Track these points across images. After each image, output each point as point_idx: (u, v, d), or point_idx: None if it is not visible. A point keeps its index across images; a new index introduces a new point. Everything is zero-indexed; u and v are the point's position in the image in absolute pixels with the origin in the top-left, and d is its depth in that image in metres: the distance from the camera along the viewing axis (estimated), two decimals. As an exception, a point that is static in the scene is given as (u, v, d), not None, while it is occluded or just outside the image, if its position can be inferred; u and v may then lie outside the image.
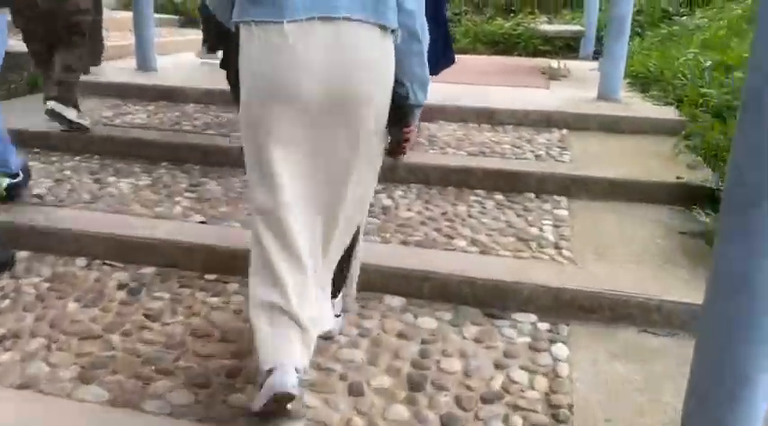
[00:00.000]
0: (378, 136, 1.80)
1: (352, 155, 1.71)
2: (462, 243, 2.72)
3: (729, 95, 3.95)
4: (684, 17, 7.55)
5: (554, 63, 6.43)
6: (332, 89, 1.62)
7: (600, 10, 7.64)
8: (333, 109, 1.64)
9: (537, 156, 3.64)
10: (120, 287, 2.47)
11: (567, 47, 7.84)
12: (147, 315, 2.27)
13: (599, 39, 7.90)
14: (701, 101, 4.18)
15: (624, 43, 4.71)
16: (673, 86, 4.70)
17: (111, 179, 3.39)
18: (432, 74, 1.90)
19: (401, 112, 1.84)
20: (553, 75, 5.94)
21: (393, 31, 1.68)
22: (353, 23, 1.60)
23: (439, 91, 4.71)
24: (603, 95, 4.74)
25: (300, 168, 1.71)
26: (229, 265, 2.55)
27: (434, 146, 3.80)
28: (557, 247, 2.70)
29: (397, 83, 1.75)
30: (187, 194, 3.20)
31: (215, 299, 2.39)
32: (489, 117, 4.28)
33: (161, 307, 2.32)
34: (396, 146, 1.94)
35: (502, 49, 8.28)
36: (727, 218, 1.46)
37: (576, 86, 5.44)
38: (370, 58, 1.63)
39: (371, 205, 2.48)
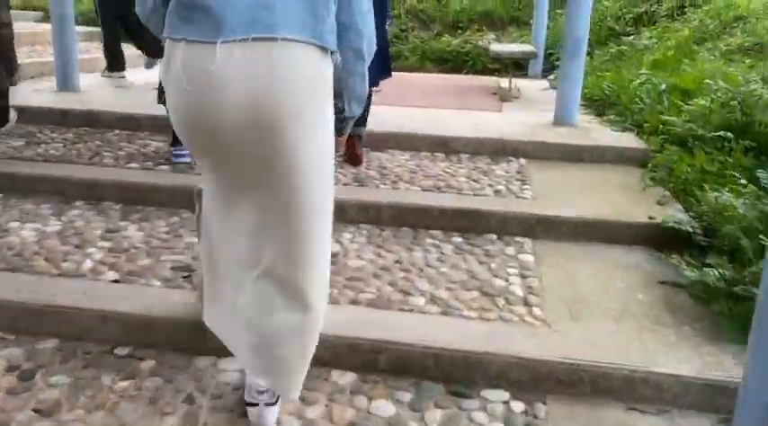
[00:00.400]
0: (321, 155, 1.63)
1: (290, 177, 1.57)
2: (421, 300, 2.37)
3: (692, 123, 3.74)
4: (631, 36, 7.45)
5: (504, 82, 6.20)
6: (261, 112, 1.48)
7: (546, 27, 7.51)
8: (264, 134, 1.51)
9: (496, 191, 3.32)
10: (10, 369, 2.02)
11: (516, 65, 7.62)
12: (37, 410, 1.83)
13: (547, 58, 7.78)
14: (661, 127, 3.97)
15: (581, 66, 4.48)
16: (630, 111, 4.49)
17: (14, 224, 2.90)
18: (370, 86, 1.83)
19: (334, 122, 1.73)
20: (505, 97, 5.69)
21: (333, 52, 1.60)
22: (292, 44, 1.48)
23: (390, 116, 4.42)
24: (560, 120, 4.49)
25: (233, 195, 1.66)
26: (145, 337, 2.13)
27: (386, 179, 3.45)
28: (526, 303, 2.38)
29: (336, 97, 1.68)
30: (102, 243, 2.74)
31: (125, 384, 1.96)
32: (443, 145, 3.96)
33: (57, 398, 1.88)
34: None
35: (450, 67, 8.04)
36: None
37: (530, 109, 5.20)
38: (306, 80, 1.52)
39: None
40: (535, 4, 7.57)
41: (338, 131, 1.78)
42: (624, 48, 6.87)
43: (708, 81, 4.10)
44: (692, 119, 3.80)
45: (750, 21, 6.03)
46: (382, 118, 4.24)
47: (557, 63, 7.82)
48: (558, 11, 8.56)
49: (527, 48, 5.87)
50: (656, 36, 7.09)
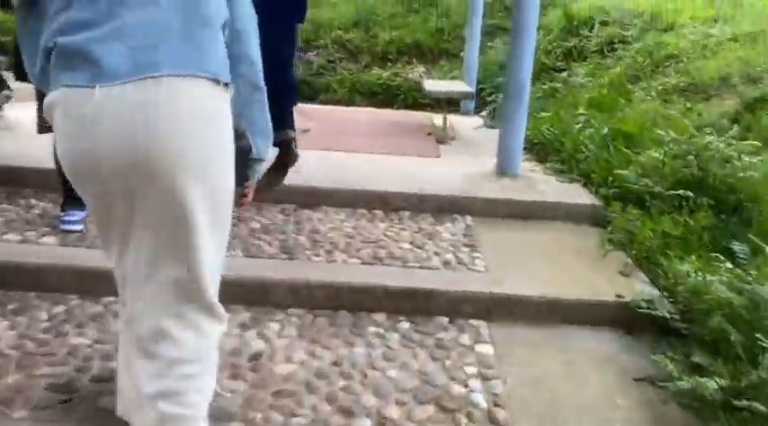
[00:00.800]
0: (218, 195, 1.49)
1: (183, 225, 1.42)
2: (366, 423, 1.92)
3: (646, 178, 3.48)
4: (564, 72, 7.33)
5: (438, 120, 5.89)
6: (150, 158, 1.36)
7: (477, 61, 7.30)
8: (149, 177, 1.38)
9: (445, 262, 2.92)
10: None
11: (449, 100, 7.36)
12: None
13: (479, 93, 7.56)
14: (611, 180, 3.70)
15: (523, 110, 4.18)
16: (575, 159, 4.22)
17: None
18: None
19: (241, 167, 1.60)
20: (441, 138, 5.36)
21: (227, 84, 1.48)
22: (178, 79, 1.37)
23: (323, 165, 3.97)
24: (503, 168, 4.17)
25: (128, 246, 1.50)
26: None
27: (319, 247, 2.99)
28: (492, 420, 1.97)
29: (237, 135, 1.55)
30: (-43, 351, 2.16)
31: None
32: (383, 202, 3.54)
33: None
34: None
35: (381, 100, 7.69)
36: None
37: (469, 153, 4.90)
38: (197, 114, 1.40)
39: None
40: (467, 37, 7.34)
41: (243, 178, 1.67)
42: (558, 85, 6.70)
43: (658, 131, 3.86)
44: (644, 173, 3.55)
45: (682, 60, 5.96)
46: (315, 168, 3.79)
47: (489, 99, 7.65)
48: (489, 44, 8.40)
49: (462, 87, 5.56)
50: (588, 72, 6.98)
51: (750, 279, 2.28)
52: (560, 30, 8.10)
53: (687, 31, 6.72)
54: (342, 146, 4.79)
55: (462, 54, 8.25)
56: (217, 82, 1.45)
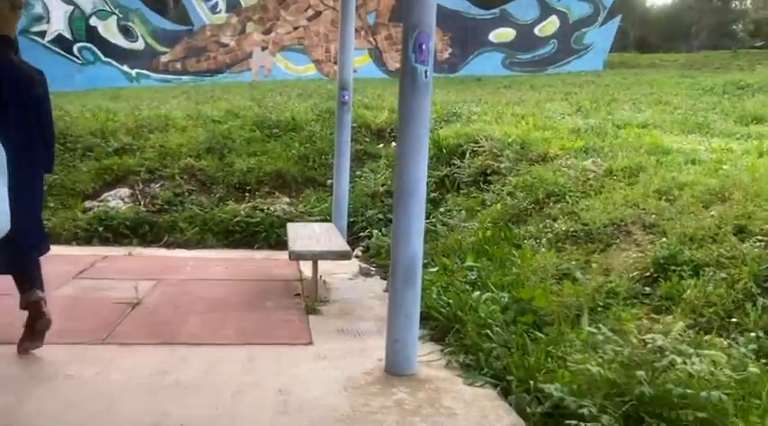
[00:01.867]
0: None
1: None
2: None
3: (584, 399, 2.65)
4: (440, 205, 6.69)
5: (306, 266, 4.95)
6: None
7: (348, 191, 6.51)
8: None
9: None
10: None
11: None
12: None
13: (350, 226, 6.72)
14: (538, 393, 2.84)
15: (416, 295, 3.30)
16: (483, 351, 3.35)
17: None
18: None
19: None
20: (310, 306, 4.35)
21: None
22: None
23: (141, 390, 2.73)
24: (395, 368, 3.22)
25: None
26: None
27: None
28: None
29: None
30: None
31: None
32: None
33: None
34: None
35: (239, 240, 6.60)
36: None
37: (349, 329, 3.91)
38: None
39: None
40: (335, 165, 6.54)
41: None
42: (438, 225, 5.99)
43: (586, 328, 3.10)
44: (579, 390, 2.72)
45: (566, 198, 5.47)
46: (130, 397, 2.60)
47: (362, 234, 6.83)
48: (359, 172, 7.68)
49: (337, 245, 4.60)
50: (465, 206, 6.39)
51: None
52: (430, 158, 7.57)
53: (561, 162, 6.36)
54: (174, 335, 3.64)
55: (330, 182, 7.47)
56: None
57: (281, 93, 12.60)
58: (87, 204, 6.94)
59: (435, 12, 3.19)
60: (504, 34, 23.91)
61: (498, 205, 5.93)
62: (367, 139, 8.46)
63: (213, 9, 22.25)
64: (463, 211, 6.28)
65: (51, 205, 6.69)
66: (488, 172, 6.83)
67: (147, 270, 5.30)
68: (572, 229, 4.96)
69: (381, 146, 8.49)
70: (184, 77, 22.22)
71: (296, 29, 22.74)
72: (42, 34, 21.64)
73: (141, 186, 7.27)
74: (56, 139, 3.97)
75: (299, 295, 4.70)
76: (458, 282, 4.33)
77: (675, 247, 4.02)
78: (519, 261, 4.66)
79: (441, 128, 8.59)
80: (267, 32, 22.57)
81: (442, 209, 6.43)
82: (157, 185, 7.28)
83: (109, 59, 21.95)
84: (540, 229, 5.15)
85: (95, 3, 21.57)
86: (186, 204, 6.95)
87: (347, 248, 4.39)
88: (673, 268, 3.88)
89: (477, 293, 3.95)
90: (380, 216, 6.87)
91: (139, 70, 22.06)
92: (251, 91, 15.46)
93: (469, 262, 4.82)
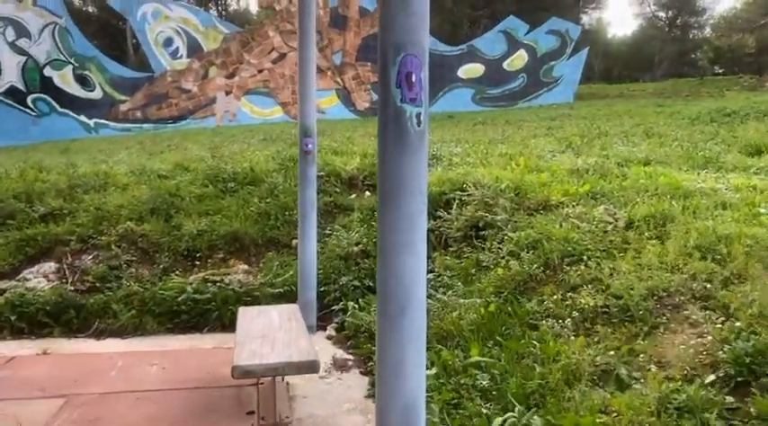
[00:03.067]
0: None
1: None
2: None
3: None
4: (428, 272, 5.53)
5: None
6: None
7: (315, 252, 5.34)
8: None
9: None
10: None
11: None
12: None
13: (320, 296, 5.53)
14: None
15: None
16: None
17: None
18: None
19: None
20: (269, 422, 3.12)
21: None
22: None
23: None
24: None
25: None
26: None
27: None
28: None
29: None
30: None
31: None
32: None
33: None
34: None
35: (185, 322, 5.35)
36: None
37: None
38: None
39: None
40: (299, 227, 5.38)
41: None
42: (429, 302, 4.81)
43: None
44: None
45: (586, 262, 4.36)
46: None
47: (335, 307, 5.62)
48: (328, 228, 6.51)
49: (301, 354, 3.34)
50: (456, 270, 5.24)
51: None
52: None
53: (567, 212, 5.28)
54: None
55: (295, 242, 6.29)
56: None
57: (241, 140, 11.46)
58: (2, 285, 5.63)
59: (428, 28, 2.09)
60: (473, 70, 23.22)
61: (500, 269, 4.79)
62: (337, 190, 7.31)
63: (174, 54, 21.14)
64: (455, 278, 5.14)
65: (-47, 290, 5.37)
66: (481, 225, 5.71)
67: (58, 381, 4.03)
68: (602, 304, 3.83)
69: (354, 196, 7.35)
70: (145, 125, 20.95)
71: (260, 71, 21.73)
72: (-7, 86, 20.29)
73: (70, 259, 5.99)
74: None
75: (252, 412, 3.47)
76: (466, 394, 3.15)
77: (763, 338, 2.90)
78: (540, 354, 3.51)
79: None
80: (231, 76, 21.50)
81: (429, 275, 5.27)
82: (89, 257, 6.00)
83: (65, 110, 20.61)
84: (559, 304, 4.02)
85: (49, 52, 20.32)
86: (123, 279, 5.68)
87: (313, 357, 3.16)
88: (765, 369, 2.76)
89: (498, 421, 2.76)
90: (356, 283, 5.68)
91: (98, 120, 20.75)
92: (212, 138, 14.28)
93: (475, 355, 3.66)
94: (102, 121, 20.78)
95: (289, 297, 5.55)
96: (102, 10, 24.74)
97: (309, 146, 5.27)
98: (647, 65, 35.85)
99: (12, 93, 20.11)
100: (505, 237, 5.24)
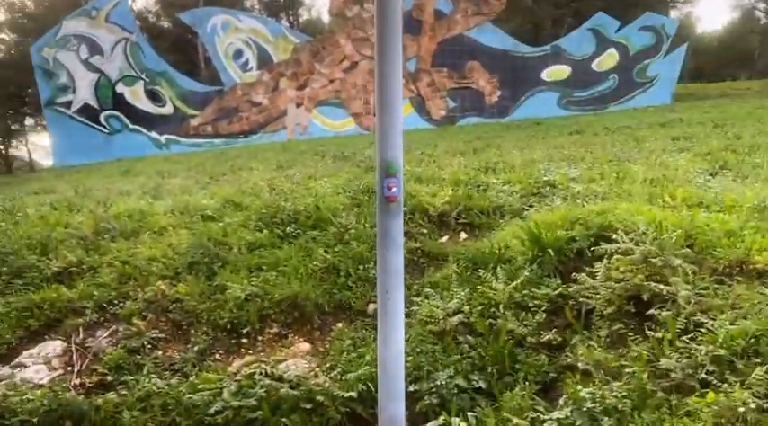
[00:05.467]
0: None
1: None
2: None
3: None
4: (565, 359, 3.65)
5: None
6: None
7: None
8: None
9: None
10: None
11: None
12: None
13: (411, 397, 3.76)
14: None
15: None
16: None
17: None
18: None
19: None
20: None
21: None
22: None
23: None
24: None
25: None
26: None
27: None
28: None
29: None
30: None
31: None
32: None
33: None
34: None
35: (222, 440, 3.68)
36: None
37: None
38: None
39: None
40: (379, 302, 3.58)
41: None
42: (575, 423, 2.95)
43: None
44: None
45: None
46: None
47: (425, 408, 3.81)
48: (414, 289, 4.72)
49: None
50: (610, 366, 3.34)
51: None
52: (528, 261, 4.57)
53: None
54: None
55: (372, 309, 4.63)
56: None
57: (309, 159, 9.84)
58: (-9, 375, 4.15)
59: None
60: (558, 72, 20.91)
61: (710, 393, 2.85)
62: (424, 231, 5.53)
63: (244, 67, 19.99)
64: (619, 389, 3.21)
65: (-75, 386, 3.91)
66: (645, 298, 3.77)
67: None
68: None
69: (446, 239, 5.55)
70: (216, 140, 19.88)
71: (332, 82, 20.27)
72: (68, 104, 19.73)
73: (81, 336, 4.46)
74: None
75: None
76: None
77: None
78: None
79: (531, 207, 5.61)
80: (301, 88, 20.15)
81: (568, 381, 3.35)
82: (105, 334, 4.45)
83: (137, 126, 19.84)
84: None
85: (121, 69, 19.58)
86: (144, 370, 4.09)
87: None
88: None
89: None
90: (461, 381, 3.85)
91: (169, 135, 19.85)
92: (280, 154, 12.81)
93: None
94: (173, 137, 19.88)
95: (365, 401, 3.79)
96: (174, 24, 24.01)
97: (394, 189, 3.48)
98: (745, 61, 32.27)
99: (85, 110, 19.51)
100: (696, 326, 3.28)
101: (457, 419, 3.51)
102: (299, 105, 20.33)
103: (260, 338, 4.46)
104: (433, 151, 9.74)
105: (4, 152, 28.41)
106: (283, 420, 3.65)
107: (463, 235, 5.57)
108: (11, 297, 4.78)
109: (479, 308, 4.35)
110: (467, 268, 4.89)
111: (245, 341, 4.44)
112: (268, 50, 19.98)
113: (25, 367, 4.24)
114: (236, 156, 13.20)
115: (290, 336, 4.48)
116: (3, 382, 4.05)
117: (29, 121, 27.56)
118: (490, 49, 19.74)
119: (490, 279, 4.54)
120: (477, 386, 3.80)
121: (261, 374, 3.99)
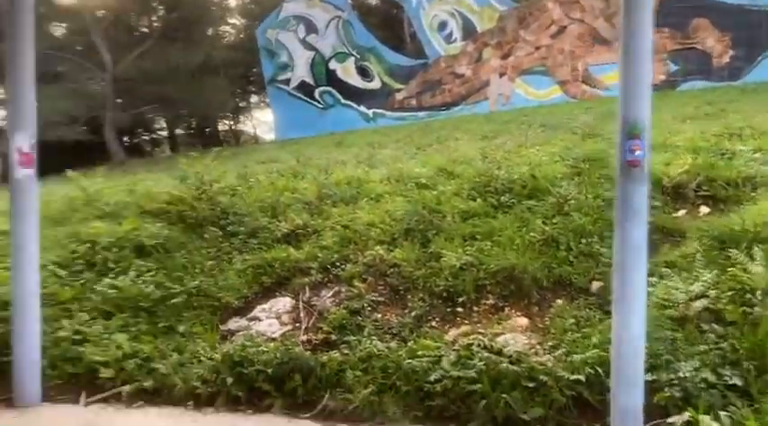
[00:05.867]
0: None
1: None
2: None
3: None
4: None
5: None
6: None
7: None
8: None
9: None
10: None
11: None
12: None
13: (650, 387, 3.36)
14: None
15: None
16: None
17: None
18: None
19: None
20: None
21: None
22: None
23: None
24: None
25: None
26: None
27: None
28: None
29: None
30: None
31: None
32: None
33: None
34: None
35: (440, 410, 3.64)
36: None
37: None
38: None
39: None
40: (615, 279, 3.27)
41: None
42: None
43: None
44: None
45: None
46: None
47: (673, 422, 3.36)
48: (648, 269, 4.21)
49: None
50: None
51: None
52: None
53: None
54: None
55: (596, 286, 4.27)
56: None
57: (516, 129, 9.46)
58: (232, 324, 4.56)
59: None
60: (807, 25, 17.68)
61: None
62: (656, 204, 4.93)
63: (448, 39, 19.92)
64: None
65: (181, 329, 4.42)
66: None
67: None
68: None
69: (682, 213, 4.90)
70: (420, 113, 20.17)
71: (537, 49, 19.33)
72: (287, 82, 21.40)
73: (308, 294, 4.71)
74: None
75: None
76: None
77: None
78: None
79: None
80: (505, 57, 19.56)
81: None
82: (329, 294, 4.65)
83: (348, 101, 20.89)
84: None
85: (334, 46, 20.67)
86: (365, 332, 4.18)
87: None
88: None
89: None
90: (708, 375, 3.34)
91: (376, 110, 20.59)
92: (484, 125, 12.55)
93: None
94: (380, 111, 20.56)
95: (593, 386, 3.47)
96: (381, 0, 24.71)
97: (638, 153, 3.08)
98: None
99: (302, 87, 20.99)
100: None
101: (707, 417, 3.06)
102: (501, 75, 19.78)
103: (476, 308, 4.33)
104: (657, 116, 8.78)
105: (234, 127, 31.84)
106: (504, 396, 3.48)
107: (704, 209, 4.88)
108: (247, 254, 5.20)
109: (729, 294, 3.76)
110: (712, 247, 4.26)
111: (460, 310, 4.34)
112: (472, 20, 19.64)
113: (259, 320, 4.58)
114: (440, 128, 13.23)
115: (506, 309, 4.28)
116: (241, 333, 4.41)
117: (253, 99, 30.51)
118: (721, 4, 17.30)
119: (744, 261, 3.89)
120: (729, 382, 3.27)
121: (479, 346, 3.85)
